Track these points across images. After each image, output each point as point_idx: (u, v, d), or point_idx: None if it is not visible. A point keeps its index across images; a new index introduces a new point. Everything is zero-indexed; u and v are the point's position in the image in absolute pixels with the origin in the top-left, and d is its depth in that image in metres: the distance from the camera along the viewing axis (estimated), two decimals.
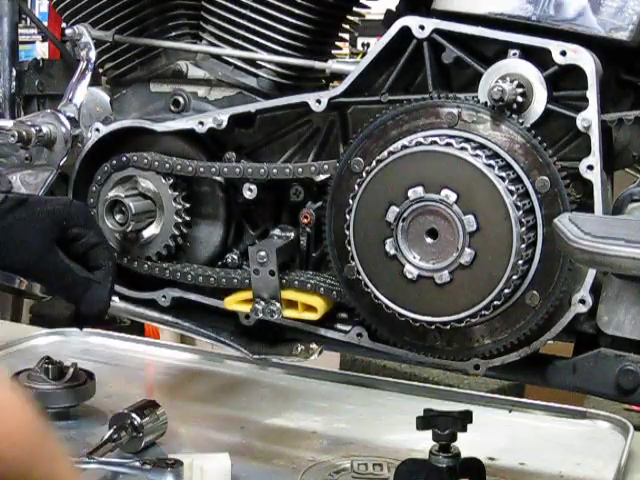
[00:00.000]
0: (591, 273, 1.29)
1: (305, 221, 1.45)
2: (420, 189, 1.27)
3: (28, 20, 2.01)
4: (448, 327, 1.30)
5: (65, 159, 1.53)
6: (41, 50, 3.58)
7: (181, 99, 1.54)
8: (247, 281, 1.45)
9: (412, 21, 1.35)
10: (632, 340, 1.30)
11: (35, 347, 2.09)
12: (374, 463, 1.57)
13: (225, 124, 1.46)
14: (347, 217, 1.33)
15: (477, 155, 1.25)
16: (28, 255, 1.21)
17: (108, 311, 1.38)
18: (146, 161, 1.50)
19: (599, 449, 1.69)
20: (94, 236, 1.30)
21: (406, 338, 1.38)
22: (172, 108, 1.54)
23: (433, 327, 1.31)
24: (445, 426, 1.36)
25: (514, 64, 1.30)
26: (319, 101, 1.41)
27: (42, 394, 1.66)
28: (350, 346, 1.47)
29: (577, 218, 1.11)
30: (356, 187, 1.32)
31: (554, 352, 1.39)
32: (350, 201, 1.33)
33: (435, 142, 1.27)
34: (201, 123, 1.48)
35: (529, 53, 1.30)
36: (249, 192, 1.46)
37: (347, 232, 1.33)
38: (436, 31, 1.34)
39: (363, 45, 4.81)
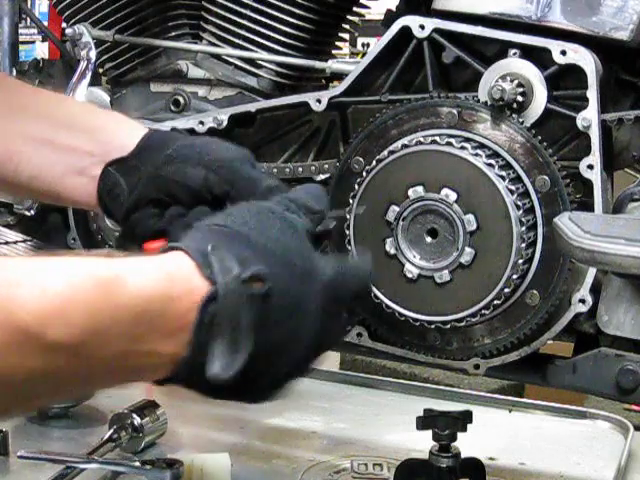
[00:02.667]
0: (591, 273, 1.29)
1: None
2: (420, 188, 1.27)
3: (28, 20, 2.02)
4: (448, 326, 1.30)
5: None
6: (41, 50, 3.59)
7: (181, 99, 1.54)
8: None
9: (412, 21, 1.35)
10: (632, 340, 1.30)
11: None
12: (374, 463, 1.57)
13: (225, 124, 1.47)
14: (347, 216, 1.33)
15: (477, 154, 1.25)
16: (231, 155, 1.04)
17: None
18: None
19: (599, 449, 1.69)
20: None
21: (406, 338, 1.38)
22: (172, 108, 1.55)
23: (433, 326, 1.31)
24: (445, 426, 1.36)
25: (514, 64, 1.30)
26: (319, 101, 1.41)
27: None
28: (350, 346, 1.46)
29: (577, 217, 1.11)
30: (356, 186, 1.32)
31: (554, 352, 1.39)
32: (350, 200, 1.33)
33: (435, 141, 1.27)
34: (201, 123, 1.48)
35: (529, 53, 1.31)
36: None
37: (347, 231, 1.33)
38: (436, 31, 1.34)
39: (363, 45, 4.82)
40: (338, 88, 1.42)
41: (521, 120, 1.28)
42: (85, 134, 1.08)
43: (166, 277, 0.78)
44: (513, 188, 1.25)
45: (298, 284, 0.83)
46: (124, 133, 1.08)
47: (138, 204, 1.05)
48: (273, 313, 0.81)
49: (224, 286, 0.78)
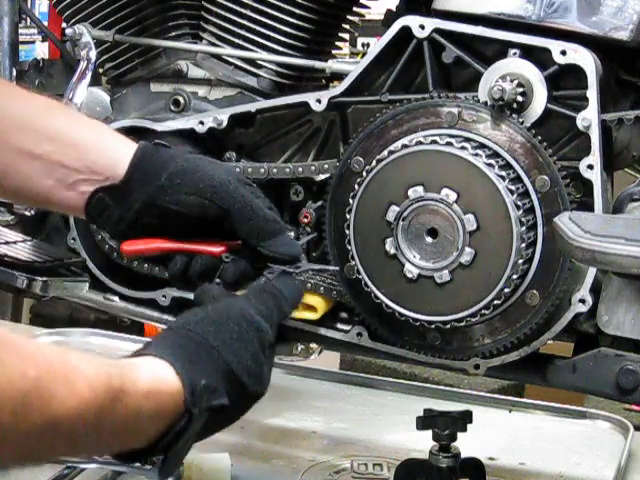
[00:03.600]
0: (591, 272, 1.29)
1: (305, 221, 1.45)
2: (420, 188, 1.27)
3: (28, 20, 2.02)
4: (448, 326, 1.30)
5: None
6: (41, 50, 3.58)
7: (181, 99, 1.54)
8: None
9: (412, 21, 1.35)
10: (632, 340, 1.30)
11: None
12: (374, 463, 1.57)
13: (225, 124, 1.47)
14: (347, 216, 1.33)
15: (477, 154, 1.25)
16: (224, 178, 1.11)
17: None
18: None
19: (599, 449, 1.69)
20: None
21: (406, 337, 1.38)
22: (172, 108, 1.54)
23: (433, 326, 1.31)
24: (445, 426, 1.36)
25: (514, 64, 1.30)
26: (319, 101, 1.41)
27: None
28: (350, 346, 1.47)
29: (577, 217, 1.11)
30: (356, 186, 1.32)
31: (554, 352, 1.39)
32: (350, 200, 1.33)
33: (435, 141, 1.27)
34: (201, 123, 1.48)
35: (529, 53, 1.31)
36: None
37: (347, 231, 1.33)
38: (436, 31, 1.34)
39: (363, 45, 4.81)
40: (338, 88, 1.42)
41: (521, 120, 1.28)
42: (73, 150, 1.10)
43: (156, 397, 0.91)
44: (513, 188, 1.25)
45: (244, 406, 1.02)
46: (112, 151, 1.10)
47: (131, 228, 1.09)
48: (217, 426, 1.00)
49: (197, 414, 0.94)
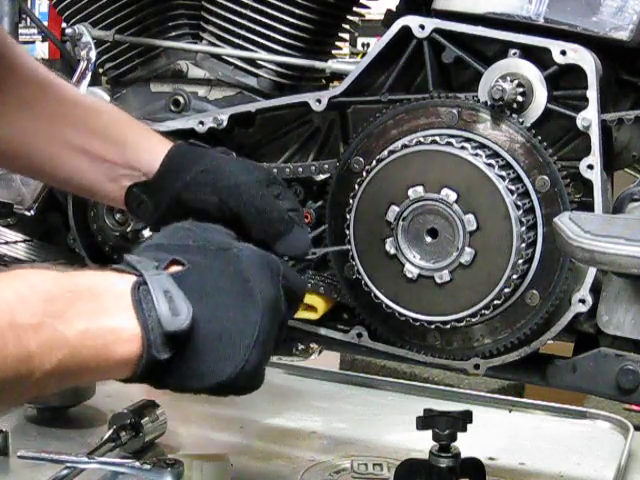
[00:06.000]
0: (591, 272, 1.29)
1: (305, 221, 1.45)
2: (420, 188, 1.27)
3: (28, 20, 2.02)
4: (448, 327, 1.30)
5: None
6: (41, 50, 3.59)
7: (181, 99, 1.54)
8: None
9: (412, 21, 1.35)
10: (632, 340, 1.30)
11: None
12: (374, 463, 1.57)
13: (225, 124, 1.47)
14: (347, 216, 1.33)
15: (477, 154, 1.25)
16: (241, 180, 1.18)
17: None
18: None
19: (599, 449, 1.69)
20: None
21: (406, 338, 1.38)
22: (172, 108, 1.55)
23: (433, 327, 1.31)
24: (445, 426, 1.36)
25: (514, 64, 1.30)
26: (319, 101, 1.41)
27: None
28: (350, 346, 1.46)
29: (577, 217, 1.11)
30: (356, 186, 1.32)
31: (554, 352, 1.39)
32: (350, 200, 1.33)
33: (435, 141, 1.27)
34: (201, 123, 1.48)
35: (529, 53, 1.30)
36: None
37: (347, 231, 1.33)
38: (436, 31, 1.34)
39: (363, 45, 4.82)
40: (338, 88, 1.42)
41: (521, 120, 1.28)
42: (115, 147, 1.21)
43: (102, 275, 0.92)
44: (513, 188, 1.25)
45: (214, 260, 0.96)
46: (150, 150, 1.21)
47: (163, 218, 1.17)
48: (199, 285, 0.94)
49: (147, 273, 0.92)
